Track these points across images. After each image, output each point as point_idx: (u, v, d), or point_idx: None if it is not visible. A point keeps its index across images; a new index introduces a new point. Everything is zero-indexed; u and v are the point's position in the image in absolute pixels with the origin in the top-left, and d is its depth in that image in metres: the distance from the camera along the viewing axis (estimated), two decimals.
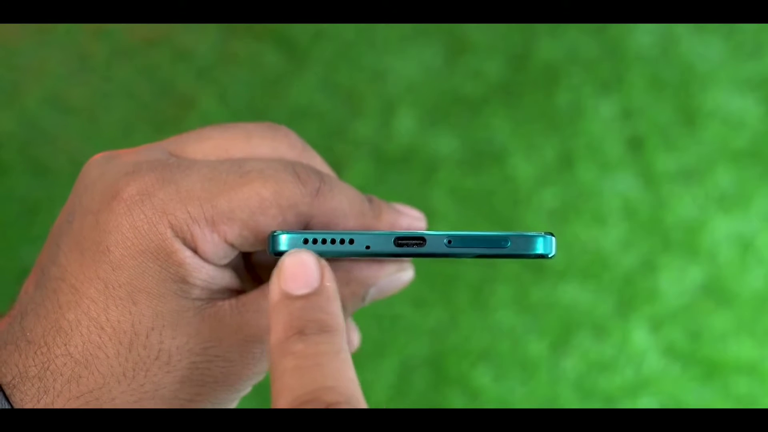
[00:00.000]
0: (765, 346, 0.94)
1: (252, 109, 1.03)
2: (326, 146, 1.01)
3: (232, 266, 0.27)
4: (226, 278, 0.26)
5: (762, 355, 0.93)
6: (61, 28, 1.05)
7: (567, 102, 1.02)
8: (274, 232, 0.25)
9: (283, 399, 0.20)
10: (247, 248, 0.26)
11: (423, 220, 0.31)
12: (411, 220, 0.30)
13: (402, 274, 0.31)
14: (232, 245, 0.25)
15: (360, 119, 1.02)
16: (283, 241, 0.25)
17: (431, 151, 1.00)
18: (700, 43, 1.03)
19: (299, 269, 0.22)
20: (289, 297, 0.22)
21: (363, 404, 0.20)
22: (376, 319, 0.94)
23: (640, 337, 0.94)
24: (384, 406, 0.91)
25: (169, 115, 1.03)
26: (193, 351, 0.24)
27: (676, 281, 0.96)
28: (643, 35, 1.04)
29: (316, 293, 0.22)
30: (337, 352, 0.21)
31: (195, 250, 0.25)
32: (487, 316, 0.95)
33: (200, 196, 0.25)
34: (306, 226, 0.27)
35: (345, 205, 0.27)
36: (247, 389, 0.26)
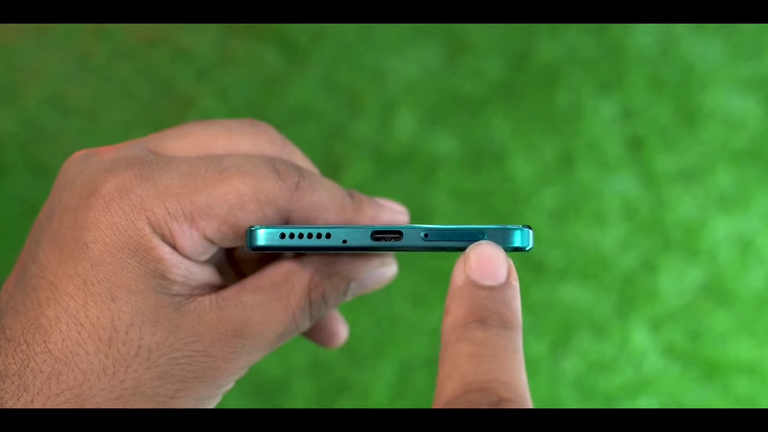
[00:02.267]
0: (765, 346, 0.94)
1: (252, 109, 1.03)
2: (326, 146, 1.01)
3: (213, 262, 0.27)
4: (206, 274, 0.26)
5: (762, 355, 0.93)
6: (61, 28, 1.05)
7: (567, 102, 1.02)
8: (251, 227, 0.25)
9: (453, 382, 0.20)
10: (226, 244, 0.26)
11: (405, 213, 0.30)
12: (393, 214, 0.30)
13: (385, 269, 0.30)
14: (211, 241, 0.25)
15: (360, 119, 1.02)
16: (260, 236, 0.25)
17: (431, 151, 1.00)
18: (700, 43, 1.03)
19: (488, 261, 0.22)
20: (474, 285, 0.22)
21: (531, 407, 0.20)
22: (376, 319, 0.94)
23: (640, 337, 0.94)
24: (384, 406, 0.91)
25: (168, 115, 1.03)
26: (173, 346, 0.24)
27: (676, 281, 0.96)
28: (643, 35, 1.04)
29: (502, 288, 0.22)
30: (515, 350, 0.21)
31: (174, 246, 0.25)
32: None
33: (178, 193, 0.25)
34: (286, 221, 0.27)
35: (325, 200, 0.27)
36: (230, 385, 0.26)
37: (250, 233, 0.25)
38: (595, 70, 1.03)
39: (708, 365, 0.93)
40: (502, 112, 1.02)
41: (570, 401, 0.93)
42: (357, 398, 0.92)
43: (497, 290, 0.22)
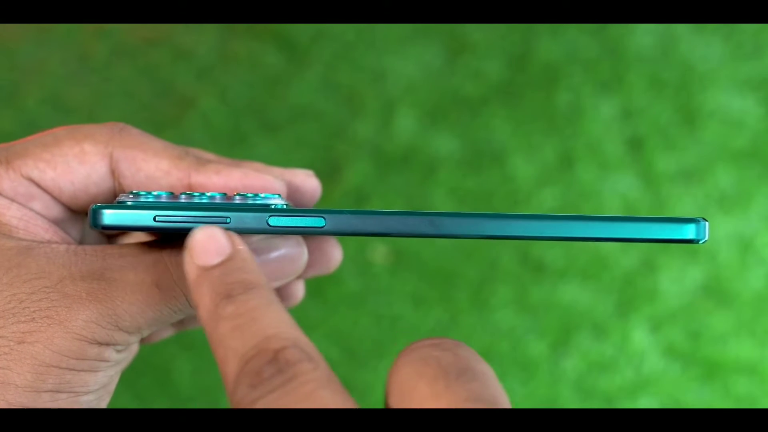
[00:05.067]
0: (765, 346, 0.94)
1: (252, 109, 1.03)
2: (326, 146, 1.01)
3: (68, 218, 0.27)
4: (68, 227, 0.26)
5: (762, 355, 0.93)
6: (61, 28, 1.05)
7: (567, 102, 1.02)
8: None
9: (231, 363, 0.20)
10: (48, 183, 0.26)
11: (269, 174, 0.28)
12: (241, 176, 0.27)
13: (284, 248, 0.27)
14: (30, 179, 0.26)
15: (360, 119, 1.02)
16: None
17: (431, 151, 1.00)
18: (700, 43, 1.03)
19: (208, 242, 0.22)
20: (206, 269, 0.22)
21: (309, 345, 0.20)
22: (376, 319, 0.94)
23: (640, 337, 0.94)
24: (384, 407, 0.91)
25: (169, 115, 1.03)
26: (11, 283, 0.24)
27: (676, 281, 0.96)
28: (643, 35, 1.04)
29: (231, 258, 0.22)
30: (269, 303, 0.21)
31: None
32: (487, 316, 0.95)
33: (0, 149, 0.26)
34: (114, 170, 0.26)
35: (157, 145, 0.27)
36: (90, 336, 0.24)
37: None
38: (595, 70, 1.03)
39: (708, 365, 0.93)
40: (502, 112, 1.02)
41: (570, 401, 0.93)
42: (357, 398, 0.92)
43: (228, 262, 0.22)
